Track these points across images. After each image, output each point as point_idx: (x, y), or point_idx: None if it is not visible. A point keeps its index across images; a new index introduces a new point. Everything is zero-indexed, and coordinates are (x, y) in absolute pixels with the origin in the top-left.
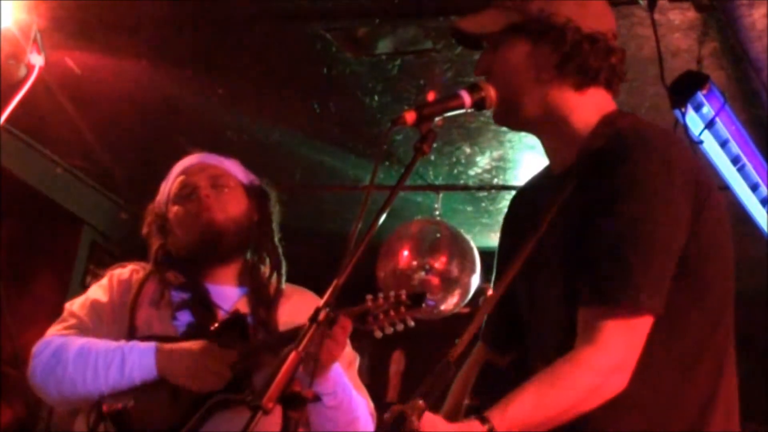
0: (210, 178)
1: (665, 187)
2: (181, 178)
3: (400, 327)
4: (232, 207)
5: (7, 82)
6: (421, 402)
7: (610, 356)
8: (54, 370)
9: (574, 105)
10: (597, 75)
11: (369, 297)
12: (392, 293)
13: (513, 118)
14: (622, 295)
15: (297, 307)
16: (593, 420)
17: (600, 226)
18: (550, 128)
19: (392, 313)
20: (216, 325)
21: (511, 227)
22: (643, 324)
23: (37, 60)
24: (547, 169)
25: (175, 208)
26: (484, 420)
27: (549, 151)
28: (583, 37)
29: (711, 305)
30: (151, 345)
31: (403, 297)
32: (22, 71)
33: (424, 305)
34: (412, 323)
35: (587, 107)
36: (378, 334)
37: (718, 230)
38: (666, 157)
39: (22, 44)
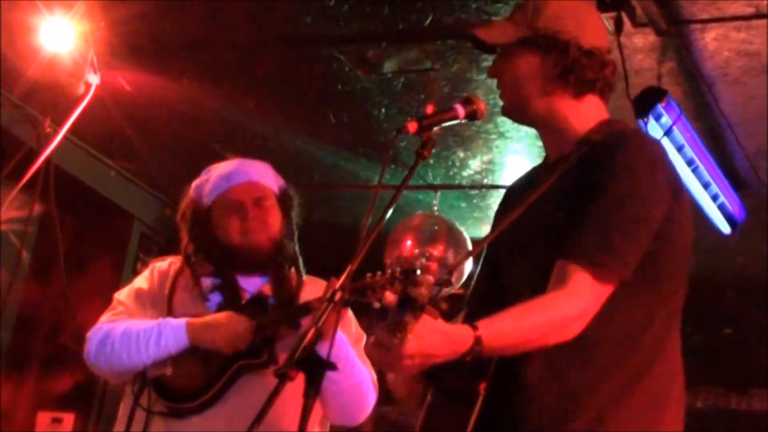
0: (255, 199)
1: (651, 177)
2: (229, 191)
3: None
4: (272, 225)
5: (68, 99)
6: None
7: (577, 303)
8: (104, 350)
9: (574, 110)
10: (593, 85)
11: (368, 274)
12: (388, 270)
13: (519, 115)
14: (600, 256)
15: (314, 295)
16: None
17: (592, 199)
18: (550, 126)
19: (388, 287)
20: (241, 303)
21: (501, 216)
22: (610, 284)
23: (94, 79)
24: (540, 163)
25: (220, 218)
26: (474, 327)
27: (547, 142)
28: (583, 52)
29: (664, 282)
30: (182, 320)
31: (397, 273)
32: (81, 89)
33: (416, 280)
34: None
35: (585, 112)
36: (376, 305)
37: (684, 223)
38: (654, 155)
39: (80, 65)
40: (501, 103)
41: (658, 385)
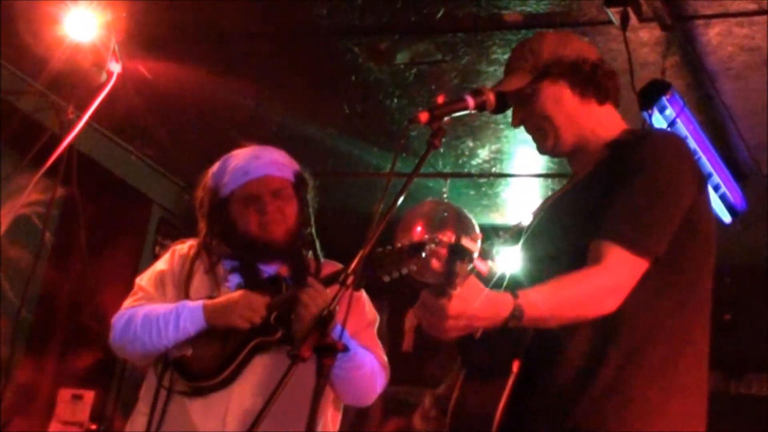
0: (272, 192)
1: (678, 166)
2: (247, 185)
3: (404, 272)
4: (289, 216)
5: (90, 86)
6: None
7: (612, 278)
8: (127, 334)
9: (599, 119)
10: (609, 93)
11: (378, 249)
12: (398, 244)
13: (555, 147)
14: (633, 234)
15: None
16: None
17: (624, 185)
18: (584, 145)
19: (395, 260)
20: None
21: (533, 224)
22: (641, 263)
23: (115, 67)
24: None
25: (239, 211)
26: (515, 295)
27: (577, 164)
28: (593, 65)
29: (692, 268)
30: (199, 301)
31: (406, 247)
32: (103, 77)
33: (422, 254)
34: (414, 268)
35: (608, 121)
36: (385, 278)
37: (708, 214)
38: (680, 149)
39: (102, 54)
40: None
41: (689, 367)
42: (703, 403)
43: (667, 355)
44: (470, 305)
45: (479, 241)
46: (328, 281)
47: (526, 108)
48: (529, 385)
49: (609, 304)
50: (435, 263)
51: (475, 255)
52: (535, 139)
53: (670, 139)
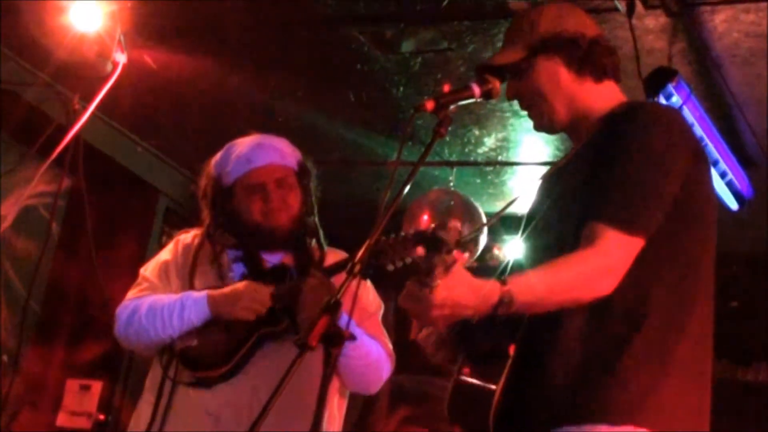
0: (276, 181)
1: (668, 143)
2: (250, 174)
3: (408, 260)
4: (293, 205)
5: (96, 77)
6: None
7: (605, 259)
8: (131, 325)
9: (596, 95)
10: (607, 69)
11: (382, 237)
12: (402, 233)
13: (551, 125)
14: (624, 214)
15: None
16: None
17: (613, 162)
18: (579, 121)
19: (399, 249)
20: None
21: (536, 198)
22: (636, 243)
23: (121, 58)
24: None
25: (242, 199)
26: (503, 282)
27: (576, 140)
28: (591, 40)
29: (689, 245)
30: (203, 292)
31: (410, 235)
32: (109, 67)
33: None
34: (417, 256)
35: (606, 96)
36: (390, 267)
37: (706, 187)
38: (670, 123)
39: (108, 45)
40: None
41: (688, 348)
42: (702, 385)
43: (664, 335)
44: (454, 293)
45: (460, 232)
46: (333, 270)
47: (520, 82)
48: (526, 369)
49: (604, 286)
50: (419, 251)
51: (451, 245)
52: (529, 116)
53: (660, 110)
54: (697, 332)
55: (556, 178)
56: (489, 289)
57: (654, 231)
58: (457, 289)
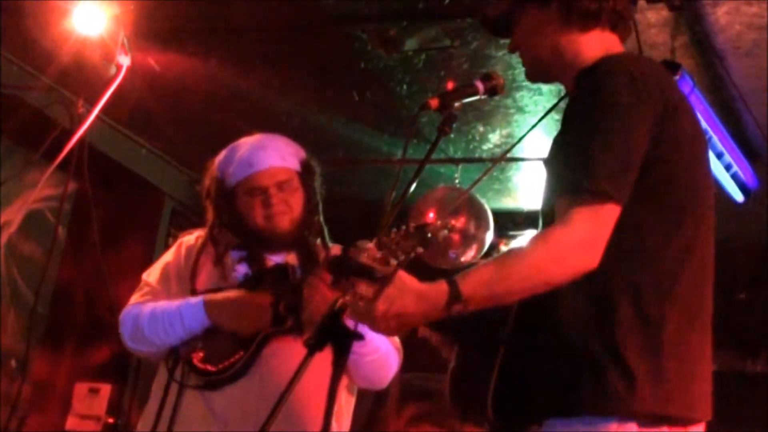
0: (277, 183)
1: (627, 97)
2: (252, 177)
3: (411, 255)
4: (295, 207)
5: (100, 79)
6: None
7: (573, 233)
8: (136, 334)
9: (581, 44)
10: (598, 15)
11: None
12: (402, 226)
13: (540, 73)
14: (586, 183)
15: None
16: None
17: (570, 129)
18: (569, 72)
19: (402, 243)
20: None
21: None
22: (608, 210)
23: (125, 60)
24: None
25: (244, 202)
26: (450, 281)
27: (569, 94)
28: None
29: (671, 206)
30: (199, 299)
31: (410, 229)
32: (112, 70)
33: (428, 236)
34: (420, 251)
35: (593, 45)
36: (393, 262)
37: (684, 142)
38: (631, 73)
39: (111, 48)
40: (519, 78)
41: (679, 315)
42: (696, 363)
43: (655, 313)
44: (396, 305)
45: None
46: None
47: (514, 32)
48: (517, 357)
49: (582, 261)
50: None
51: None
52: (522, 64)
53: (621, 65)
54: (688, 307)
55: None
56: (435, 294)
57: (625, 193)
58: (398, 300)
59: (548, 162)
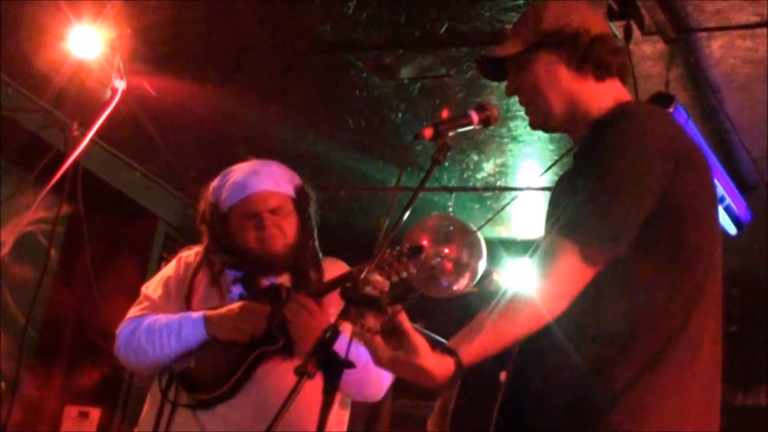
0: (270, 209)
1: (638, 150)
2: (244, 202)
3: (404, 275)
4: (288, 232)
5: (95, 103)
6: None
7: (558, 287)
8: (131, 345)
9: (595, 94)
10: (611, 68)
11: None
12: (397, 247)
13: (547, 120)
14: (582, 233)
15: (331, 275)
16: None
17: (578, 179)
18: (576, 121)
19: (396, 263)
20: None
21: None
22: (595, 262)
23: (120, 84)
24: None
25: (237, 226)
26: (452, 353)
27: (577, 140)
28: (594, 38)
29: (676, 258)
30: (200, 313)
31: (405, 250)
32: (108, 94)
33: (422, 256)
34: (413, 271)
35: (606, 95)
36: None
37: (696, 195)
38: (643, 126)
39: (107, 72)
40: (514, 107)
41: (680, 361)
42: (700, 403)
43: (657, 351)
44: (400, 370)
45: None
46: (327, 289)
47: (520, 76)
48: (518, 395)
49: (555, 311)
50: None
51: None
52: (526, 112)
53: (634, 117)
54: (697, 346)
55: (561, 190)
56: (441, 372)
57: (620, 247)
58: (404, 370)
59: (556, 200)
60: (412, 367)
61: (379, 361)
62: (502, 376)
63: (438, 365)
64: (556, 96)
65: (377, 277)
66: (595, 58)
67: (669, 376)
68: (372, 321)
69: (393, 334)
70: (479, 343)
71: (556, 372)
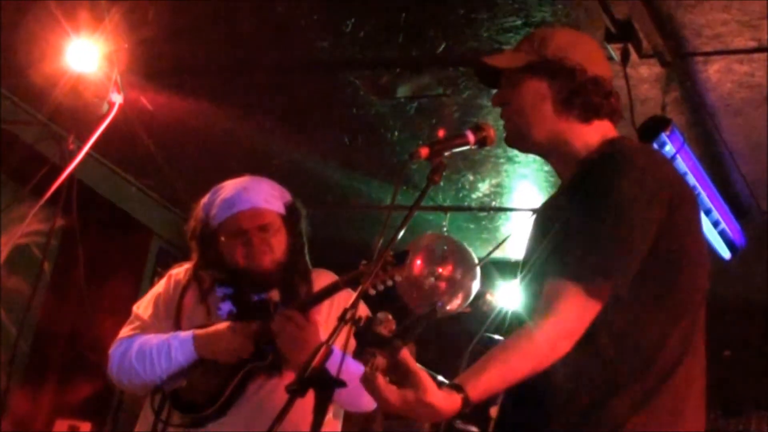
0: (258, 226)
1: (636, 192)
2: (233, 218)
3: (390, 283)
4: (277, 249)
5: (92, 117)
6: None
7: (563, 326)
8: (123, 366)
9: (579, 133)
10: (599, 110)
11: (362, 262)
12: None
13: (522, 142)
14: (583, 271)
15: (320, 287)
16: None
17: (576, 219)
18: (555, 152)
19: (380, 273)
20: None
21: (530, 235)
22: (597, 298)
23: (117, 98)
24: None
25: (226, 243)
26: (459, 389)
27: (557, 169)
28: (589, 78)
29: (672, 295)
30: (189, 333)
31: (389, 258)
32: (105, 107)
33: (406, 262)
34: (399, 279)
35: (590, 134)
36: (372, 291)
37: (689, 233)
38: (641, 168)
39: (104, 86)
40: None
41: (675, 396)
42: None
43: (652, 387)
44: (410, 410)
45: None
46: (317, 299)
47: (509, 92)
48: (510, 430)
49: (561, 351)
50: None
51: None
52: (505, 127)
53: (630, 158)
54: (685, 378)
55: (547, 217)
56: (449, 408)
57: (619, 285)
58: (413, 409)
59: (543, 225)
60: (420, 405)
61: (388, 406)
62: (493, 410)
63: (445, 401)
64: (539, 125)
65: (388, 316)
66: (584, 98)
67: (664, 412)
68: (382, 361)
69: (394, 370)
70: (486, 380)
71: (550, 407)
